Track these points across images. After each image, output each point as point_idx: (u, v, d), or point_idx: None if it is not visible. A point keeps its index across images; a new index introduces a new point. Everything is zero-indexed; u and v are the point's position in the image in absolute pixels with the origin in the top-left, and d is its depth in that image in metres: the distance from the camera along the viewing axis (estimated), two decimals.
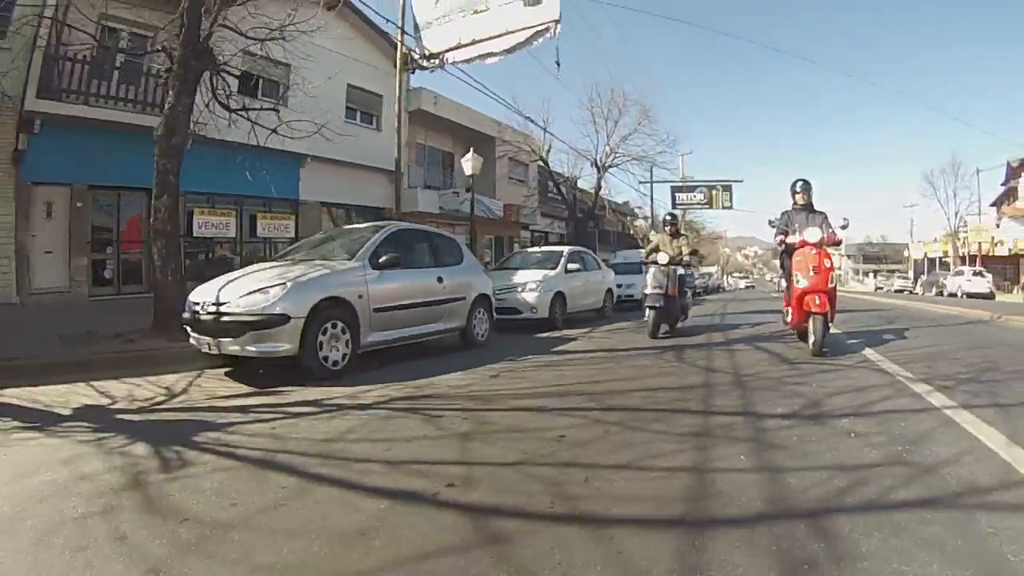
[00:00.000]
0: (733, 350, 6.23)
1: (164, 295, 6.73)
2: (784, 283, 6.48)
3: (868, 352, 5.69)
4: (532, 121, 18.72)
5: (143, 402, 3.94)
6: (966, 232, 37.92)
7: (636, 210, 34.61)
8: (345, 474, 2.39)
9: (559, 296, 9.42)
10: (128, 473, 2.49)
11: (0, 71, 8.71)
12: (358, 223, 15.93)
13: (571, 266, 10.14)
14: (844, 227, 5.96)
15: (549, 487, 2.19)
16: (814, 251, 5.60)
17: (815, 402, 3.50)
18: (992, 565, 1.58)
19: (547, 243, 23.89)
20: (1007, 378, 4.11)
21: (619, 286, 13.13)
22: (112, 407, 3.83)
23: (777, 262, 7.68)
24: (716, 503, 2.03)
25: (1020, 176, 34.98)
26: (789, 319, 6.15)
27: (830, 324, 5.63)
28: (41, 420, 3.47)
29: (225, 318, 4.61)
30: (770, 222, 6.43)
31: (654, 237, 8.32)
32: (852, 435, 2.77)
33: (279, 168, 13.59)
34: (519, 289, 9.00)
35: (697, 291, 27.88)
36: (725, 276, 58.81)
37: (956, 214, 39.39)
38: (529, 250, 12.37)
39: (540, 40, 9.09)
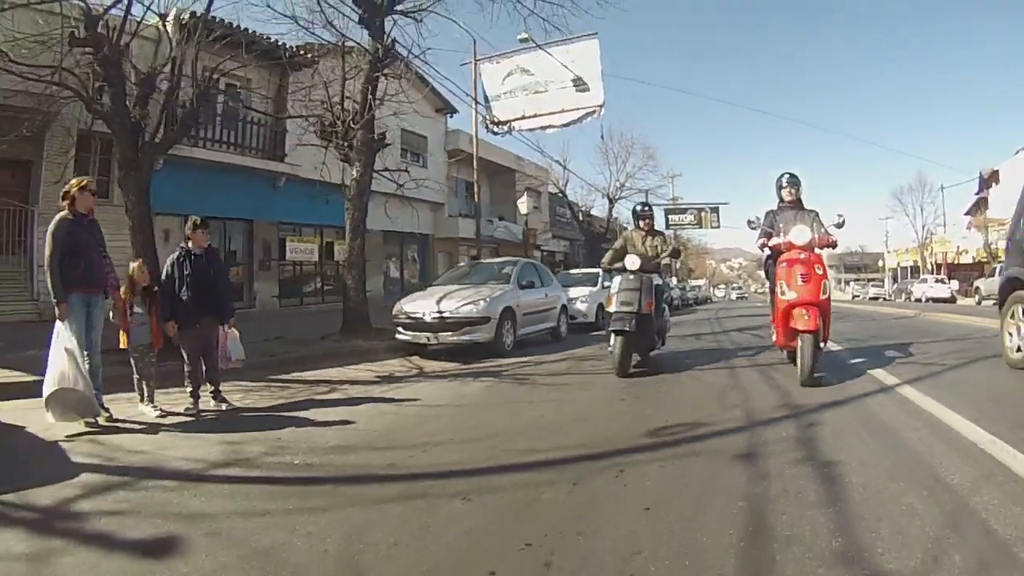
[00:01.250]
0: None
1: (355, 309, 10.42)
2: (771, 293, 5.85)
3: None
4: (557, 162, 23.00)
5: (407, 372, 7.08)
6: (932, 243, 43.27)
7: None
8: (600, 374, 6.21)
9: (601, 306, 13.36)
10: (519, 384, 5.94)
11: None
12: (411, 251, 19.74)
13: (607, 284, 14.15)
14: (839, 226, 5.51)
15: (694, 362, 6.16)
16: (803, 255, 5.15)
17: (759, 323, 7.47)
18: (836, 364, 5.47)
19: (553, 261, 27.95)
20: (883, 340, 8.17)
21: None
22: (393, 376, 6.63)
23: (762, 272, 7.66)
24: (738, 361, 5.97)
25: (991, 186, 39.92)
26: (775, 338, 5.72)
27: (822, 344, 5.20)
28: (370, 384, 6.09)
29: (449, 319, 8.36)
30: (750, 223, 5.87)
31: (624, 235, 7.23)
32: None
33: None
34: (573, 302, 12.90)
35: (688, 302, 32.06)
36: (712, 288, 63.43)
37: (923, 227, 44.63)
38: (572, 271, 16.33)
39: (589, 119, 13.18)
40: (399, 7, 9.80)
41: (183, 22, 9.02)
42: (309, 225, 18.07)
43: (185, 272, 4.97)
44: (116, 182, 13.57)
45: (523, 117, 13.88)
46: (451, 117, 21.12)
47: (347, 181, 11.59)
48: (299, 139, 13.08)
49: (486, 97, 14.53)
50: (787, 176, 5.93)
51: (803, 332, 4.83)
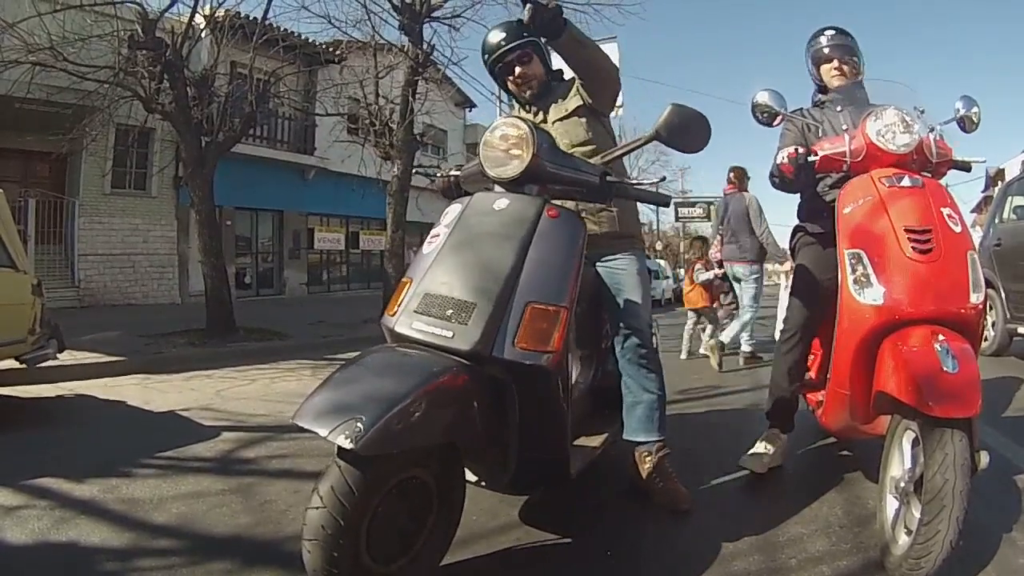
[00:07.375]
0: None
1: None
2: (792, 298, 2.80)
3: None
4: None
5: None
6: None
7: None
8: None
9: None
10: None
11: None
12: None
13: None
14: (932, 131, 2.34)
15: None
16: (906, 180, 2.08)
17: None
18: None
19: None
20: None
21: None
22: None
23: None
24: None
25: (996, 185, 40.23)
26: (819, 412, 2.65)
27: (980, 454, 1.64)
28: None
29: None
30: (758, 117, 2.62)
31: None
32: None
33: (379, 194, 17.68)
34: None
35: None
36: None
37: None
38: None
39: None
40: (436, 14, 10.42)
41: (232, 24, 9.51)
42: (336, 215, 18.74)
43: None
44: (153, 176, 14.49)
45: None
46: (470, 111, 21.74)
47: (382, 175, 12.33)
48: (329, 133, 13.66)
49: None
50: (830, 32, 2.72)
51: (930, 416, 1.63)
